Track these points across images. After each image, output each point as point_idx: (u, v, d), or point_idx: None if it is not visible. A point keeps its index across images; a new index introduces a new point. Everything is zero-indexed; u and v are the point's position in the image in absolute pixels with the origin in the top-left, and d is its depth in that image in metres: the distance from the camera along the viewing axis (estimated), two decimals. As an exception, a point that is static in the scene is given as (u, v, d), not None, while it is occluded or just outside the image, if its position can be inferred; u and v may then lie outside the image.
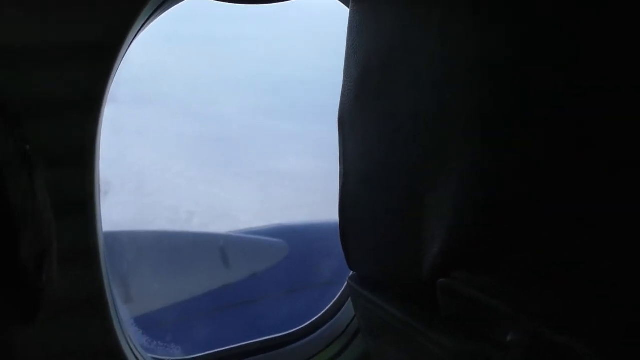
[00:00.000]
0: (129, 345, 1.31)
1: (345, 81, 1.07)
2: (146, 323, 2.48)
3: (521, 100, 0.79)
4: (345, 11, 1.26)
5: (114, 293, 1.28)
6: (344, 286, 1.61)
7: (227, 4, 1.15)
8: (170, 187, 5.32)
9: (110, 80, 1.10)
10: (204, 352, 1.56)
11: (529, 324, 0.76)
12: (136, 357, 1.34)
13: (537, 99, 0.79)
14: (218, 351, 1.56)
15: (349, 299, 1.53)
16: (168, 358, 1.54)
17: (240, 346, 1.58)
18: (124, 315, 1.31)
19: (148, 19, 1.12)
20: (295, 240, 2.90)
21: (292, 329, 1.64)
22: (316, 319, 1.65)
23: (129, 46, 1.11)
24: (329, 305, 1.61)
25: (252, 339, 1.60)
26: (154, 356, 1.46)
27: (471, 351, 0.85)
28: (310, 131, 6.33)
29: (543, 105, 0.78)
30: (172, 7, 1.15)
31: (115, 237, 2.62)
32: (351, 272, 1.16)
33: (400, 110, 0.94)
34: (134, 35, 1.10)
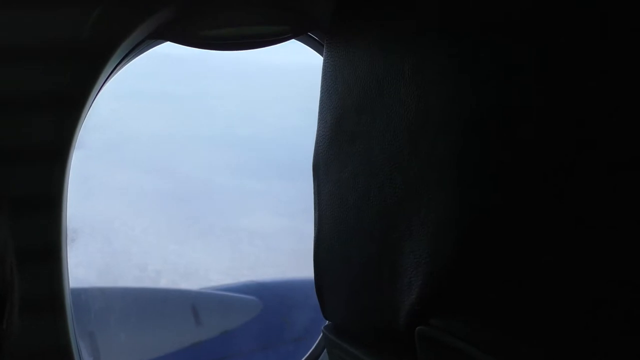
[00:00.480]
0: None
1: (319, 126, 1.06)
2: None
3: (494, 145, 0.79)
4: (312, 64, 1.27)
5: (81, 347, 1.24)
6: (319, 337, 1.58)
7: (199, 49, 1.15)
8: (137, 244, 5.26)
9: (77, 130, 1.09)
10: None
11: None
12: None
13: (509, 145, 0.78)
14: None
15: (324, 351, 1.50)
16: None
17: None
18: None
19: (117, 65, 1.11)
20: (267, 297, 2.87)
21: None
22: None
23: (96, 94, 1.10)
24: (304, 358, 1.57)
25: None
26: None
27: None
28: (277, 189, 6.34)
29: (517, 151, 0.78)
30: (142, 52, 1.15)
31: (82, 293, 2.58)
32: (326, 322, 1.13)
33: (375, 155, 0.94)
34: (102, 82, 1.09)
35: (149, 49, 1.16)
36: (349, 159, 0.99)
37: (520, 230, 0.79)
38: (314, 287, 1.10)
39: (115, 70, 1.12)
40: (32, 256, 1.10)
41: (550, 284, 0.79)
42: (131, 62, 1.17)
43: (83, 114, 1.08)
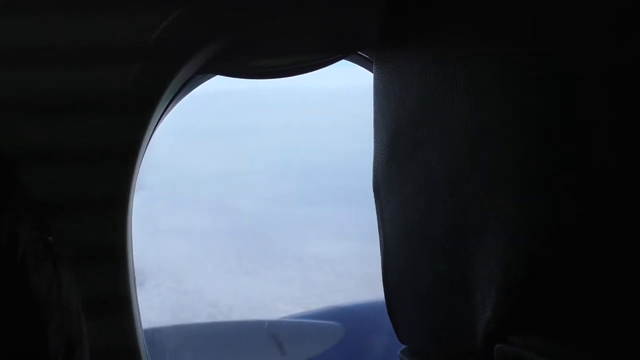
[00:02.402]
0: None
1: (376, 146, 1.04)
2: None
3: (565, 153, 0.76)
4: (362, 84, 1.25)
5: None
6: None
7: (248, 81, 1.14)
8: (207, 281, 5.31)
9: (135, 175, 1.09)
10: None
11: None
12: None
13: (581, 152, 0.75)
14: None
15: None
16: None
17: None
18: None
19: (169, 103, 1.11)
20: (350, 321, 2.81)
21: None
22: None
23: (152, 134, 1.10)
24: None
25: None
26: None
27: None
28: (341, 215, 6.32)
29: (589, 158, 0.75)
30: (193, 88, 1.15)
31: (155, 332, 2.58)
32: (403, 346, 1.10)
33: (435, 170, 0.91)
34: (155, 122, 1.09)
35: (199, 84, 1.16)
36: (408, 176, 0.97)
37: (597, 241, 0.76)
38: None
39: (167, 109, 1.12)
40: (102, 306, 1.09)
41: (632, 298, 0.75)
42: (182, 100, 1.17)
43: (139, 157, 1.08)
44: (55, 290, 0.58)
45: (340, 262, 5.66)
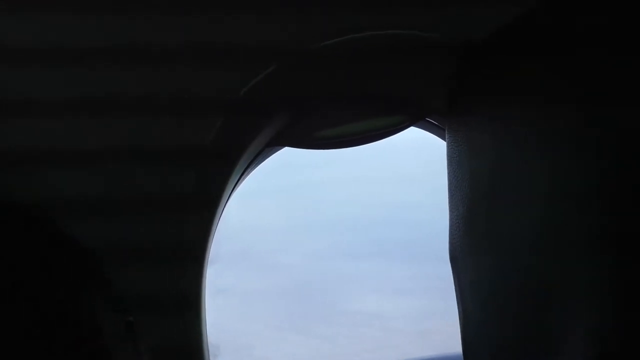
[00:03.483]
0: None
1: (451, 215, 1.03)
2: None
3: None
4: (431, 144, 1.24)
5: None
6: None
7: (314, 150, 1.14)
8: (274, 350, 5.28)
9: (212, 233, 1.09)
10: None
11: None
12: None
13: None
14: None
15: None
16: None
17: None
18: None
19: (241, 175, 1.12)
20: None
21: None
22: None
23: (225, 203, 1.11)
24: None
25: None
26: None
27: None
28: (394, 270, 6.27)
29: None
30: (261, 161, 1.15)
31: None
32: None
33: (513, 239, 0.88)
34: (229, 192, 1.09)
35: (268, 156, 1.16)
36: (486, 252, 0.95)
37: None
38: None
39: (239, 181, 1.12)
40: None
41: None
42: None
43: (216, 218, 1.09)
44: None
45: (390, 318, 5.60)
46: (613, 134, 0.76)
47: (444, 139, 1.18)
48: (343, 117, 1.12)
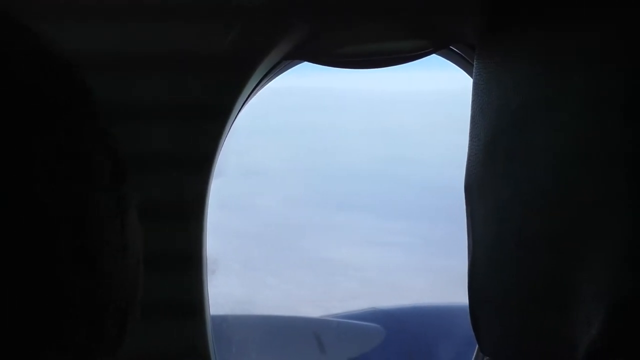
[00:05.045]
0: None
1: (471, 145, 1.00)
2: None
3: None
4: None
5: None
6: None
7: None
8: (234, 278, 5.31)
9: (221, 142, 1.09)
10: None
11: None
12: None
13: None
14: None
15: None
16: None
17: None
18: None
19: (256, 86, 1.09)
20: (391, 325, 2.78)
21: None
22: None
23: (237, 113, 1.09)
24: None
25: None
26: None
27: None
28: (381, 224, 6.28)
29: None
30: (279, 74, 1.12)
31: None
32: (484, 358, 1.05)
33: (539, 175, 0.86)
34: (242, 102, 1.07)
35: (285, 70, 1.13)
36: (507, 179, 0.92)
37: None
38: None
39: (253, 92, 1.10)
40: (171, 263, 1.12)
41: None
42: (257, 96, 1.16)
43: (226, 128, 1.09)
44: (120, 248, 0.57)
45: (367, 269, 5.63)
46: None
47: (466, 70, 1.14)
48: (366, 35, 1.08)
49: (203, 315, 1.15)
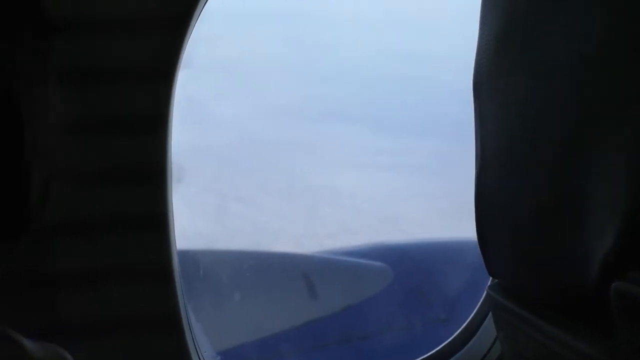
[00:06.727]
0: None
1: (481, 35, 1.01)
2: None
3: None
4: None
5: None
6: (481, 300, 1.58)
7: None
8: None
9: (182, 50, 1.24)
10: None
11: None
12: None
13: None
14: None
15: (489, 314, 1.52)
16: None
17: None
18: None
19: None
20: (397, 262, 2.74)
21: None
22: (448, 344, 1.64)
23: (199, 14, 1.23)
24: (464, 325, 1.59)
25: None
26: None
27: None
28: (377, 141, 6.18)
29: None
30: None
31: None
32: (491, 280, 1.11)
33: (554, 67, 0.90)
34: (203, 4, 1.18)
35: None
36: (519, 73, 0.95)
37: None
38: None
39: None
40: (139, 225, 1.33)
41: None
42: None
43: (188, 34, 1.23)
44: (42, 116, 0.68)
45: (359, 197, 5.60)
46: None
47: None
48: None
49: (172, 276, 1.35)
